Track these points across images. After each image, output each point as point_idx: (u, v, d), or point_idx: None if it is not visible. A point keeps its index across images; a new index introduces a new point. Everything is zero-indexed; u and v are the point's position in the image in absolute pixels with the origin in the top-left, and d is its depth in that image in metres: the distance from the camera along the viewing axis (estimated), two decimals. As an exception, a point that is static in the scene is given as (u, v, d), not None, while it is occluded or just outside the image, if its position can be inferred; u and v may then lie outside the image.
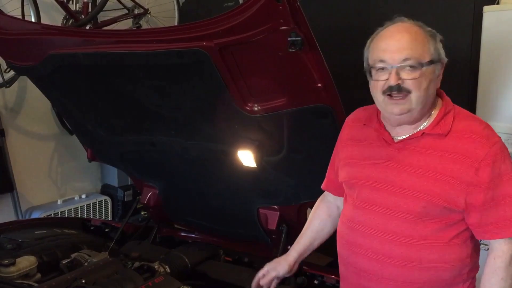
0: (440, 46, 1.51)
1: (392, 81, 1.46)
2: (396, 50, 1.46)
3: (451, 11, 2.84)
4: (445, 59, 1.53)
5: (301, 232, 1.96)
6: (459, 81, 2.80)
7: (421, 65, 1.45)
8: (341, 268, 1.76)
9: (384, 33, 1.52)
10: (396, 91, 1.46)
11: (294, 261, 1.90)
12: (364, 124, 1.70)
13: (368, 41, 1.57)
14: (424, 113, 1.54)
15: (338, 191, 1.84)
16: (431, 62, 1.47)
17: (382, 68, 1.49)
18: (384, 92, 1.49)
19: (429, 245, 1.51)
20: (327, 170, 1.90)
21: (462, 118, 1.54)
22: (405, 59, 1.45)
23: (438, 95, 1.59)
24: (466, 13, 2.79)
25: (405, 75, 1.45)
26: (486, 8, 2.59)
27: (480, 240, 1.61)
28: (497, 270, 1.48)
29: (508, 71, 2.55)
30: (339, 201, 1.87)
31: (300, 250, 1.92)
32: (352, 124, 1.76)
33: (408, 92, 1.46)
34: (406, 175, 1.53)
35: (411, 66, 1.45)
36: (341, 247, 1.72)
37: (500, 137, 1.51)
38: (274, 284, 1.91)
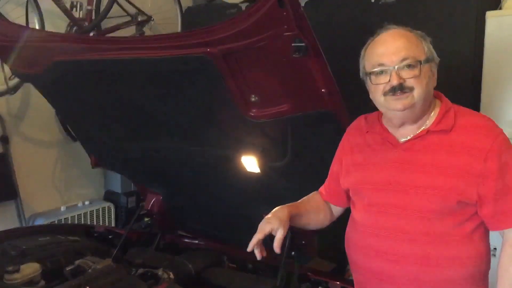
0: (431, 46, 1.58)
1: (395, 81, 1.50)
2: (393, 52, 1.52)
3: (453, 17, 2.84)
4: (438, 59, 1.58)
5: (301, 202, 1.88)
6: (463, 86, 2.80)
7: (419, 62, 1.50)
8: (357, 276, 1.75)
9: (378, 39, 1.58)
10: (399, 90, 1.50)
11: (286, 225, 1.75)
12: (367, 132, 1.72)
13: (362, 51, 1.63)
14: (425, 111, 1.58)
15: (338, 200, 1.85)
16: (427, 60, 1.53)
17: (381, 72, 1.53)
18: (385, 94, 1.53)
19: (447, 242, 1.52)
20: (326, 180, 1.91)
21: (463, 114, 1.59)
22: (403, 59, 1.50)
23: (436, 96, 1.63)
24: (468, 19, 2.79)
25: (405, 74, 1.50)
26: (489, 14, 2.59)
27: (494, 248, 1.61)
28: None
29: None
30: (333, 207, 1.90)
31: (292, 207, 1.79)
32: (354, 133, 1.79)
33: (411, 89, 1.51)
34: (416, 174, 1.55)
35: (409, 65, 1.50)
36: (355, 253, 1.71)
37: (501, 129, 1.56)
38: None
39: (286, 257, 2.36)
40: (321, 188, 1.92)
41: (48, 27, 3.40)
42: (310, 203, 1.88)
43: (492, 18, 2.58)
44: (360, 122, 1.79)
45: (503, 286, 1.50)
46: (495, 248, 1.61)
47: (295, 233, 2.46)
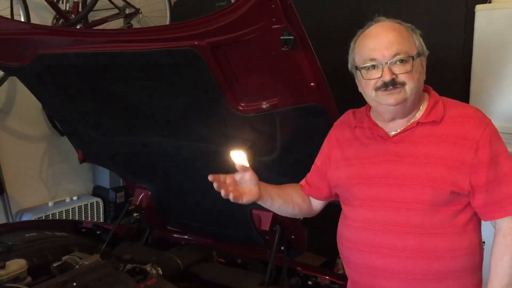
0: (421, 39, 1.57)
1: (387, 77, 1.49)
2: (385, 47, 1.50)
3: (443, 10, 2.84)
4: (427, 52, 1.58)
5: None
6: (452, 80, 2.80)
7: (412, 58, 1.50)
8: (350, 272, 1.73)
9: (369, 32, 1.56)
10: (392, 86, 1.49)
11: (260, 183, 1.68)
12: (356, 126, 1.71)
13: (352, 44, 1.61)
14: (415, 105, 1.58)
15: (320, 195, 1.84)
16: (418, 54, 1.53)
17: (373, 67, 1.52)
18: (377, 89, 1.52)
19: (441, 233, 1.52)
20: (308, 175, 1.88)
21: (452, 105, 1.60)
22: (395, 54, 1.49)
23: (424, 89, 1.63)
24: (458, 13, 2.79)
25: (397, 69, 1.50)
26: (478, 7, 2.59)
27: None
28: (508, 248, 1.50)
29: (501, 70, 2.55)
30: (313, 200, 1.88)
31: (266, 185, 1.74)
32: (342, 127, 1.77)
33: (403, 84, 1.50)
34: (408, 166, 1.54)
35: (402, 60, 1.49)
36: (348, 249, 1.69)
37: (490, 119, 1.57)
38: (233, 183, 1.64)
39: (275, 252, 2.37)
40: (303, 181, 1.90)
41: (34, 20, 3.35)
42: (288, 188, 1.86)
43: (481, 12, 2.57)
44: (348, 116, 1.78)
45: (496, 276, 1.50)
46: (483, 242, 1.61)
47: (284, 228, 2.46)
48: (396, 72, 1.49)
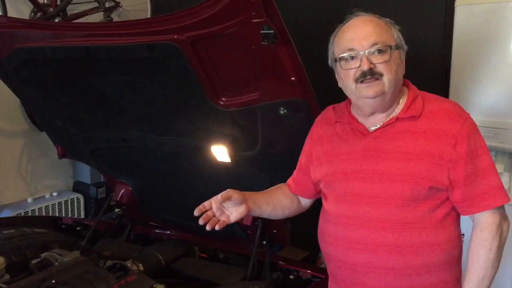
0: (400, 34, 1.58)
1: (365, 66, 1.50)
2: (363, 37, 1.51)
3: (423, 5, 2.86)
4: (406, 47, 1.59)
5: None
6: (432, 75, 2.82)
7: (390, 47, 1.51)
8: (331, 267, 1.73)
9: (348, 25, 1.57)
10: (370, 75, 1.50)
11: (247, 195, 1.68)
12: (336, 122, 1.71)
13: (331, 37, 1.62)
14: (394, 99, 1.59)
15: (306, 192, 1.85)
16: (396, 46, 1.54)
17: (352, 57, 1.53)
18: (356, 80, 1.53)
19: (420, 228, 1.53)
20: (294, 173, 1.89)
21: (431, 100, 1.61)
22: (374, 44, 1.50)
23: (403, 84, 1.64)
24: (438, 7, 2.81)
25: (375, 59, 1.50)
26: (458, 2, 2.60)
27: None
28: (485, 242, 1.51)
29: (480, 65, 2.57)
30: (301, 199, 1.89)
31: (256, 195, 1.75)
32: (322, 124, 1.78)
33: (381, 75, 1.51)
34: (387, 161, 1.55)
35: (380, 50, 1.50)
36: (329, 245, 1.69)
37: (469, 113, 1.58)
38: (219, 210, 1.61)
39: (257, 246, 2.37)
40: (289, 180, 1.90)
41: (11, 13, 3.29)
42: (275, 192, 1.86)
43: (461, 7, 2.59)
44: (328, 112, 1.78)
45: (473, 269, 1.53)
46: (463, 234, 1.63)
47: (265, 223, 2.46)
48: (374, 62, 1.50)
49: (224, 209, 1.63)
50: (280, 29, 1.62)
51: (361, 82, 1.52)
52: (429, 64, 2.81)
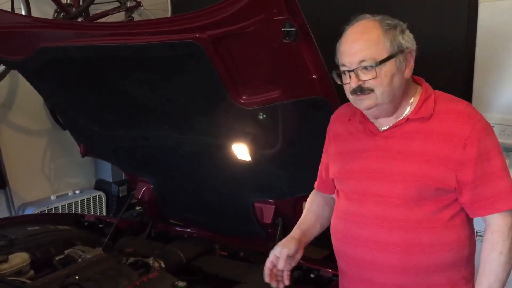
0: (402, 36, 1.52)
1: (353, 84, 1.51)
2: (352, 53, 1.51)
3: (446, 2, 2.81)
4: (410, 47, 1.54)
5: (301, 217, 1.89)
6: (455, 72, 2.78)
7: (377, 63, 1.47)
8: (340, 264, 1.74)
9: (345, 35, 1.56)
10: (359, 92, 1.51)
11: (299, 238, 1.75)
12: (349, 120, 1.72)
13: (338, 44, 1.59)
14: (399, 104, 1.57)
15: (330, 189, 1.84)
16: (389, 57, 1.49)
17: (345, 72, 1.54)
18: (351, 93, 1.54)
19: (427, 228, 1.53)
20: (319, 169, 1.89)
21: (443, 100, 1.58)
22: (361, 61, 1.49)
23: (417, 82, 1.62)
24: (461, 4, 2.77)
25: (363, 76, 1.50)
26: (481, -1, 2.57)
27: (476, 232, 1.61)
28: (495, 245, 1.50)
29: (504, 62, 2.53)
30: (332, 196, 1.87)
31: (304, 229, 1.81)
32: (337, 121, 1.78)
33: (371, 90, 1.50)
34: (396, 161, 1.55)
35: (366, 67, 1.48)
36: (338, 241, 1.71)
37: (482, 115, 1.55)
38: (289, 265, 1.70)
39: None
40: (316, 183, 1.91)
41: (35, 13, 3.34)
42: (315, 209, 1.88)
43: (484, 3, 2.55)
44: (342, 110, 1.78)
45: (484, 272, 1.51)
46: (477, 232, 1.61)
47: (286, 221, 2.45)
48: (362, 79, 1.49)
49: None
50: (302, 26, 1.61)
51: (354, 95, 1.53)
52: (452, 62, 2.77)
